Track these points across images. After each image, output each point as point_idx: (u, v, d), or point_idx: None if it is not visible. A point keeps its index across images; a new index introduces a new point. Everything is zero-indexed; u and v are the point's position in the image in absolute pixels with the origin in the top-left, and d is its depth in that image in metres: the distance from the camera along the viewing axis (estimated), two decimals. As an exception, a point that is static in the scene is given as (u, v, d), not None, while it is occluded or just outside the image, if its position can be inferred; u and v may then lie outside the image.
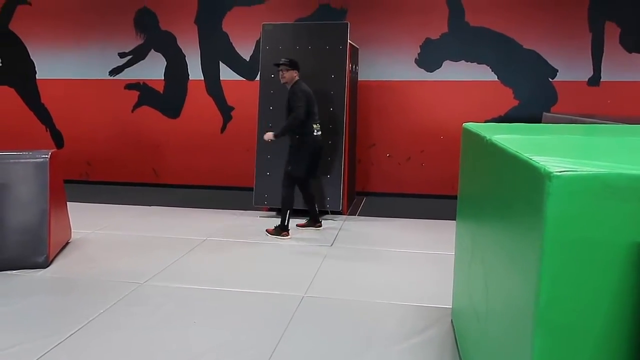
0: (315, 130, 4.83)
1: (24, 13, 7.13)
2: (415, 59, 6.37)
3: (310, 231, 5.02)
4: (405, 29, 6.33)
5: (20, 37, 7.21)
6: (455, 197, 3.12)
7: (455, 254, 3.05)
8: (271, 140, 4.77)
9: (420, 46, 6.34)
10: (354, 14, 6.34)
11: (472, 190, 2.62)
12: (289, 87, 4.76)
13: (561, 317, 1.34)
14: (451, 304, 3.15)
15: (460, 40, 6.25)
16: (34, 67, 7.23)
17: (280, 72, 4.75)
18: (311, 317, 3.18)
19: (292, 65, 4.75)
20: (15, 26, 7.19)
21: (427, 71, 6.37)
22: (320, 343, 2.88)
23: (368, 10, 6.36)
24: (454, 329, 3.00)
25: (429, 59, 6.35)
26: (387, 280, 3.80)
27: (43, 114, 7.32)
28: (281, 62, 4.75)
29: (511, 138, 2.04)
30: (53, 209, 4.04)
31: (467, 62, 6.28)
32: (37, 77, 7.26)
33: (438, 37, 6.29)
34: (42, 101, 7.30)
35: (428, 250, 4.45)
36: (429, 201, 6.34)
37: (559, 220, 1.32)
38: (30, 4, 7.09)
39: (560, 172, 1.31)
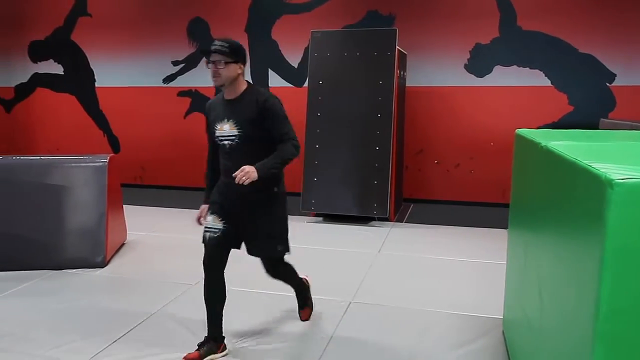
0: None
1: (85, 24, 7.50)
2: (465, 64, 6.28)
3: (357, 237, 5.01)
4: (454, 34, 6.25)
5: (81, 47, 7.58)
6: (505, 205, 3.05)
7: (507, 263, 2.98)
8: (245, 182, 2.52)
9: (470, 51, 6.24)
10: (403, 20, 6.31)
11: (526, 198, 2.56)
12: (228, 91, 2.72)
13: (622, 330, 1.29)
14: (502, 314, 3.08)
15: (512, 45, 6.11)
16: (94, 75, 7.59)
17: (212, 66, 2.61)
18: (358, 323, 3.18)
19: (235, 53, 2.65)
20: (76, 36, 7.57)
21: (477, 76, 6.26)
22: (368, 350, 2.87)
23: (417, 15, 6.32)
24: (505, 340, 2.92)
25: (479, 64, 6.24)
26: (435, 288, 3.75)
27: (101, 120, 7.66)
28: (216, 46, 2.60)
29: (568, 144, 1.98)
30: (110, 211, 4.22)
31: (519, 67, 6.13)
32: (96, 85, 7.60)
33: (489, 41, 6.18)
34: (101, 108, 7.64)
35: (477, 259, 4.36)
36: (478, 209, 6.21)
37: (620, 229, 1.28)
38: (91, 15, 7.45)
39: (623, 179, 1.27)
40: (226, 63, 2.61)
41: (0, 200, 4.00)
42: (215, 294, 2.78)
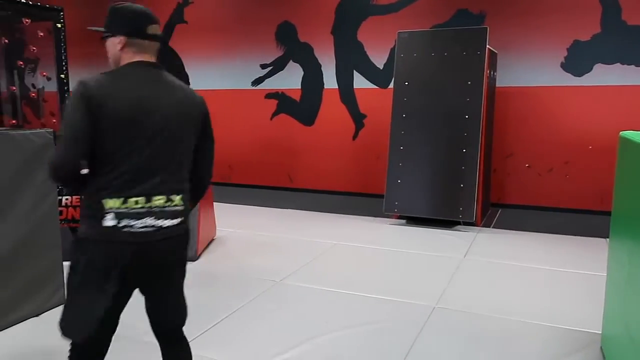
0: (116, 217, 1.73)
1: (181, 31, 7.94)
2: (562, 63, 5.93)
3: (441, 241, 4.89)
4: (550, 30, 5.92)
5: (178, 52, 8.03)
6: (605, 213, 2.85)
7: (607, 275, 2.78)
8: None
9: (567, 49, 5.88)
10: (494, 18, 6.08)
11: (632, 206, 2.37)
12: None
13: None
14: (601, 329, 2.87)
15: (615, 41, 5.68)
16: (188, 79, 8.01)
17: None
18: (442, 329, 3.10)
19: (109, 22, 1.89)
20: (173, 43, 8.04)
21: (575, 75, 5.89)
22: (452, 358, 2.79)
23: (509, 12, 6.06)
24: (604, 357, 2.73)
25: (577, 62, 5.87)
26: (525, 297, 3.57)
27: (194, 122, 8.07)
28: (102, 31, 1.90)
29: (684, 148, 1.82)
30: (202, 208, 4.43)
31: (624, 64, 5.68)
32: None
33: (588, 38, 5.79)
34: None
35: (572, 269, 4.10)
36: (572, 216, 5.83)
37: None
38: (187, 22, 7.88)
39: None
40: (103, 38, 1.89)
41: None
42: None
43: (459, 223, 5.41)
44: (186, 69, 8.01)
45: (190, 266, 4.18)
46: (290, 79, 7.32)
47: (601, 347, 2.82)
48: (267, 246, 4.75)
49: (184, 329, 2.16)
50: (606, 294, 2.77)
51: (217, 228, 5.02)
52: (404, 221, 5.61)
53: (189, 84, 8.01)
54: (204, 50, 7.83)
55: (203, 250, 4.56)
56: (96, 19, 2.46)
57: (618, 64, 5.71)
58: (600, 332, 2.89)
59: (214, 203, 4.96)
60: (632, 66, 5.65)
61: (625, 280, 2.33)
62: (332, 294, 3.65)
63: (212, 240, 4.89)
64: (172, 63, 8.06)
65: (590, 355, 2.78)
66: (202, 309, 3.41)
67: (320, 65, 7.12)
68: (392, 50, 6.28)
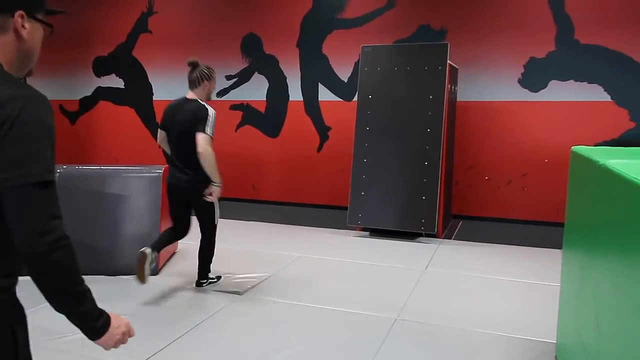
0: None
1: (145, 40, 7.85)
2: (519, 79, 6.13)
3: (403, 253, 4.95)
4: (508, 47, 6.12)
5: (141, 62, 7.92)
6: (559, 225, 2.94)
7: (560, 286, 2.87)
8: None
9: (524, 65, 6.09)
10: (455, 34, 6.25)
11: (582, 218, 2.46)
12: None
13: (688, 362, 1.22)
14: (555, 339, 2.95)
15: (569, 59, 5.91)
16: (152, 89, 7.90)
17: None
18: (404, 341, 3.13)
19: None
20: (137, 52, 7.93)
21: (532, 91, 6.10)
22: (413, 368, 2.82)
23: (469, 30, 6.23)
24: (558, 366, 2.80)
25: (533, 78, 6.08)
26: (484, 308, 3.65)
27: (156, 132, 7.94)
28: None
29: (628, 163, 1.90)
30: (164, 220, 4.36)
31: (577, 81, 5.92)
32: (153, 99, 7.92)
33: (544, 55, 6.01)
34: (157, 120, 7.93)
35: (528, 280, 4.21)
36: (530, 227, 6.00)
37: (685, 255, 1.21)
38: (151, 32, 7.79)
39: (688, 202, 1.21)
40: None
41: (62, 207, 4.20)
42: None
43: (421, 235, 5.49)
44: (150, 79, 7.90)
45: (150, 279, 4.12)
46: (256, 91, 7.31)
47: (556, 356, 2.89)
48: (230, 259, 4.69)
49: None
50: (560, 304, 2.86)
51: (178, 242, 4.93)
52: (367, 233, 5.65)
53: (152, 94, 7.91)
54: (168, 60, 7.75)
55: (164, 265, 4.48)
56: None
57: (572, 80, 5.94)
58: (554, 342, 2.97)
59: (176, 215, 4.89)
60: (585, 83, 5.89)
61: (577, 290, 2.41)
62: (295, 307, 3.64)
63: (174, 254, 4.80)
64: (134, 73, 7.95)
65: (545, 364, 2.85)
66: (163, 323, 3.34)
67: (285, 78, 7.14)
68: (357, 64, 6.36)
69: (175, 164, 3.70)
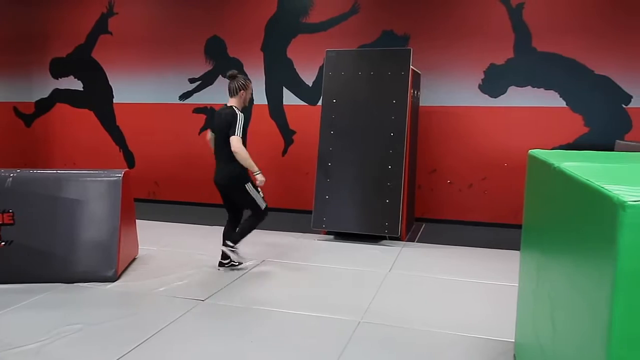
0: None
1: (105, 42, 7.67)
2: (479, 85, 6.28)
3: (367, 256, 4.98)
4: (469, 54, 6.26)
5: (101, 64, 7.74)
6: (519, 227, 3.01)
7: (518, 286, 2.94)
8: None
9: (484, 71, 6.24)
10: (417, 40, 6.35)
11: (538, 220, 2.53)
12: None
13: (635, 356, 1.26)
14: (514, 338, 3.02)
15: (527, 66, 6.10)
16: (112, 92, 7.72)
17: None
18: (367, 344, 3.14)
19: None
20: (96, 54, 7.73)
21: (491, 97, 6.25)
22: (376, 370, 2.83)
23: (431, 36, 6.35)
24: (517, 365, 2.86)
25: (493, 84, 6.24)
26: (446, 309, 3.70)
27: (117, 136, 7.78)
28: None
29: (581, 166, 1.96)
30: (123, 225, 4.25)
31: (534, 87, 6.11)
32: (114, 101, 7.74)
33: (503, 62, 6.18)
34: (117, 123, 7.76)
35: (489, 280, 4.30)
36: (491, 230, 6.14)
37: (633, 252, 1.26)
38: (111, 33, 7.62)
39: (635, 201, 1.26)
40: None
41: (17, 212, 4.06)
42: None
43: (384, 238, 5.53)
44: (110, 82, 7.72)
45: (109, 287, 4.03)
46: (220, 94, 7.23)
47: (514, 355, 2.96)
48: (193, 264, 4.62)
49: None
50: (518, 304, 2.92)
51: (139, 246, 4.83)
52: (332, 237, 5.66)
53: (112, 97, 7.73)
54: (129, 63, 7.60)
55: (124, 270, 4.37)
56: None
57: (529, 86, 6.12)
58: (513, 341, 3.04)
59: (137, 220, 4.78)
60: (542, 89, 6.08)
61: (534, 290, 2.47)
62: (258, 311, 3.60)
63: (134, 259, 4.69)
64: (94, 75, 7.76)
65: (505, 363, 2.91)
66: (124, 330, 3.26)
67: (250, 82, 7.09)
68: (321, 68, 6.39)
69: (216, 160, 4.42)
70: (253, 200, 4.37)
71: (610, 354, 1.29)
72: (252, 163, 4.21)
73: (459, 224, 6.42)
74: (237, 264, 4.49)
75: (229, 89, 4.34)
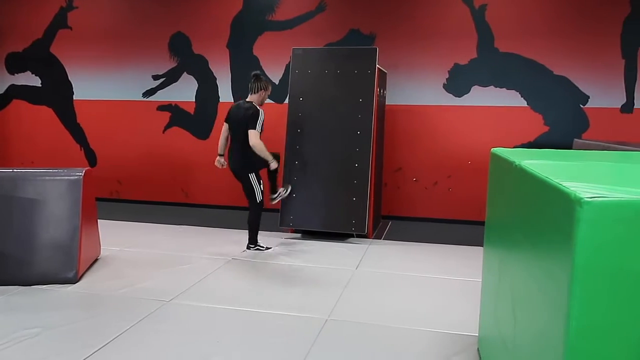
0: None
1: (64, 37, 7.44)
2: (444, 84, 6.38)
3: (335, 254, 5.00)
4: (433, 54, 6.35)
5: (60, 59, 7.50)
6: (482, 223, 3.08)
7: (482, 281, 3.00)
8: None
9: (448, 71, 6.35)
10: (383, 39, 6.40)
11: (500, 216, 2.59)
12: None
13: (591, 347, 1.31)
14: (478, 332, 3.08)
15: (489, 66, 6.23)
16: (72, 88, 7.50)
17: None
18: (334, 341, 3.15)
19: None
20: (55, 49, 7.50)
21: (456, 96, 6.36)
22: (343, 367, 2.84)
23: (397, 35, 6.41)
24: (480, 358, 2.92)
25: (457, 84, 6.35)
26: (412, 305, 3.75)
27: (78, 134, 7.56)
28: None
29: (541, 163, 2.02)
30: (84, 225, 4.14)
31: (496, 87, 6.25)
32: (74, 98, 7.52)
33: (467, 62, 6.29)
34: (78, 121, 7.55)
35: (454, 277, 4.37)
36: (455, 227, 6.26)
37: (589, 247, 1.30)
38: (71, 28, 7.40)
39: (591, 197, 1.29)
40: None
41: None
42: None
43: (352, 236, 5.56)
44: (70, 78, 7.49)
45: (69, 289, 3.91)
46: (184, 91, 7.13)
47: (478, 349, 3.02)
48: (158, 265, 4.54)
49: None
50: (481, 299, 2.99)
51: (102, 247, 4.71)
52: (299, 235, 5.65)
53: (72, 93, 7.51)
54: (90, 59, 7.39)
55: (85, 271, 4.25)
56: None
57: (492, 86, 6.26)
58: (477, 335, 3.10)
59: (100, 220, 4.66)
60: (504, 89, 6.23)
61: (496, 285, 2.53)
62: (225, 311, 3.57)
63: (96, 260, 4.58)
64: (52, 71, 7.52)
65: (468, 356, 2.97)
66: (84, 333, 3.17)
67: (215, 79, 7.02)
68: (288, 66, 6.36)
69: (232, 149, 4.87)
70: (252, 189, 4.85)
71: (568, 345, 1.33)
72: (268, 154, 4.77)
73: (424, 221, 6.51)
74: (263, 248, 5.01)
75: (251, 87, 4.84)
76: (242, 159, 4.79)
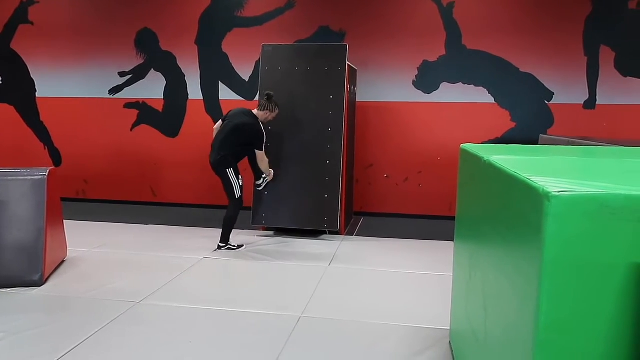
0: None
1: (25, 32, 7.20)
2: (413, 81, 6.43)
3: (307, 251, 4.99)
4: (403, 51, 6.40)
5: (21, 55, 7.26)
6: (452, 218, 3.12)
7: (453, 276, 3.04)
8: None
9: (417, 68, 6.41)
10: (353, 36, 6.42)
11: (470, 211, 2.62)
12: None
13: (561, 340, 1.33)
14: (449, 326, 3.13)
15: (458, 63, 6.32)
16: (34, 85, 7.27)
17: None
18: (308, 338, 3.15)
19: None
20: (16, 45, 7.25)
21: (425, 93, 6.43)
22: (317, 365, 2.84)
23: (367, 32, 6.44)
24: (452, 351, 2.97)
25: (426, 80, 6.42)
26: (385, 301, 3.77)
27: (42, 132, 7.34)
28: None
29: (509, 159, 2.05)
30: (49, 226, 4.02)
31: (465, 84, 6.34)
32: (36, 95, 7.29)
33: (435, 59, 6.36)
34: (41, 119, 7.32)
35: (426, 271, 4.43)
36: (426, 222, 6.33)
37: (557, 241, 1.32)
38: (32, 23, 7.16)
39: (559, 192, 1.32)
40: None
41: None
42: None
43: (324, 232, 5.57)
44: (32, 75, 7.26)
45: (34, 292, 3.80)
46: (152, 89, 7.00)
47: (450, 342, 3.07)
48: (127, 265, 4.45)
49: None
50: (453, 293, 3.03)
51: (68, 248, 4.59)
52: (271, 233, 5.63)
53: (34, 90, 7.28)
54: (53, 55, 7.17)
55: (51, 274, 4.13)
56: None
57: (460, 83, 6.35)
58: (449, 329, 3.15)
59: (66, 221, 4.53)
60: (472, 85, 6.33)
61: (467, 279, 2.56)
62: (197, 311, 3.52)
63: (63, 261, 4.45)
64: (13, 67, 7.27)
65: (440, 350, 3.01)
66: (50, 337, 3.08)
67: (184, 75, 6.91)
68: (257, 62, 6.32)
69: (213, 146, 4.93)
70: (231, 185, 4.87)
71: (538, 338, 1.35)
72: (269, 168, 5.19)
73: (396, 217, 6.57)
74: (235, 247, 4.95)
75: (261, 104, 5.06)
76: (222, 155, 4.84)
